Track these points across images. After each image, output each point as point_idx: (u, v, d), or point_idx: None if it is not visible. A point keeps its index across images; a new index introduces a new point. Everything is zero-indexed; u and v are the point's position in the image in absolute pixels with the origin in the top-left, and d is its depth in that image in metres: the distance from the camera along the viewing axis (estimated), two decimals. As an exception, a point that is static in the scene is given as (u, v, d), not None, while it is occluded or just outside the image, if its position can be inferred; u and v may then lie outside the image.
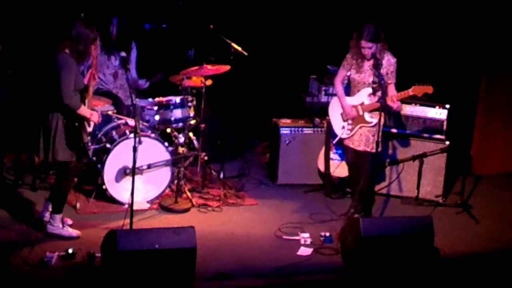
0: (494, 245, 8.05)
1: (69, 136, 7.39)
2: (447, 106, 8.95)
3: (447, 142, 8.93)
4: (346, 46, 8.16)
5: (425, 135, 8.99)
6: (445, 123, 8.95)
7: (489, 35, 9.54)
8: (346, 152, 8.44)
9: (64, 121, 7.35)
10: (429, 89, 7.98)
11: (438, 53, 9.85)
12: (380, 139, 7.89)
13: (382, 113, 7.90)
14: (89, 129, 7.55)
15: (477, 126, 9.73)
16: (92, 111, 7.50)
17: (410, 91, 7.99)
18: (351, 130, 8.17)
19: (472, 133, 9.73)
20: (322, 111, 9.27)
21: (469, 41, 9.73)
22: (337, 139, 8.35)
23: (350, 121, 8.18)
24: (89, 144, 7.77)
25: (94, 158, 8.40)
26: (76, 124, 7.39)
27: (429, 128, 8.97)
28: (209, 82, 8.78)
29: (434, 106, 8.98)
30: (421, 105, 9.00)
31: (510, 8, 9.43)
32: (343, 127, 8.23)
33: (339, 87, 8.23)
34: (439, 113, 8.97)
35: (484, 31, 9.56)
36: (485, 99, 9.67)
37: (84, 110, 7.42)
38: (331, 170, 8.89)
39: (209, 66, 8.59)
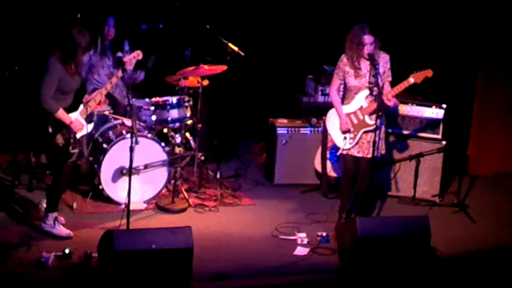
0: (491, 245, 8.06)
1: (44, 139, 7.37)
2: (444, 106, 8.96)
3: (444, 142, 8.93)
4: (342, 46, 8.11)
5: (422, 135, 8.99)
6: (441, 123, 8.96)
7: (485, 35, 9.54)
8: (345, 160, 7.99)
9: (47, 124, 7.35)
10: (429, 73, 7.68)
11: (434, 53, 9.85)
12: (381, 140, 7.85)
13: (380, 114, 7.71)
14: (73, 135, 7.44)
15: (473, 126, 9.73)
16: (74, 119, 7.37)
17: (410, 80, 7.70)
18: (353, 138, 7.85)
19: (468, 133, 9.74)
20: (319, 111, 9.29)
21: (465, 41, 9.73)
22: (340, 151, 7.92)
23: (351, 129, 7.87)
24: (72, 148, 7.47)
25: (91, 158, 8.40)
26: (50, 129, 7.33)
27: (425, 128, 8.97)
28: (205, 82, 8.79)
29: (430, 106, 8.98)
30: (418, 105, 9.00)
31: (505, 8, 9.43)
32: (345, 138, 7.88)
33: (335, 98, 7.90)
34: (435, 113, 8.97)
35: (480, 31, 9.56)
36: (482, 99, 9.68)
37: (62, 115, 7.34)
38: (328, 170, 8.89)
39: (205, 66, 8.59)
